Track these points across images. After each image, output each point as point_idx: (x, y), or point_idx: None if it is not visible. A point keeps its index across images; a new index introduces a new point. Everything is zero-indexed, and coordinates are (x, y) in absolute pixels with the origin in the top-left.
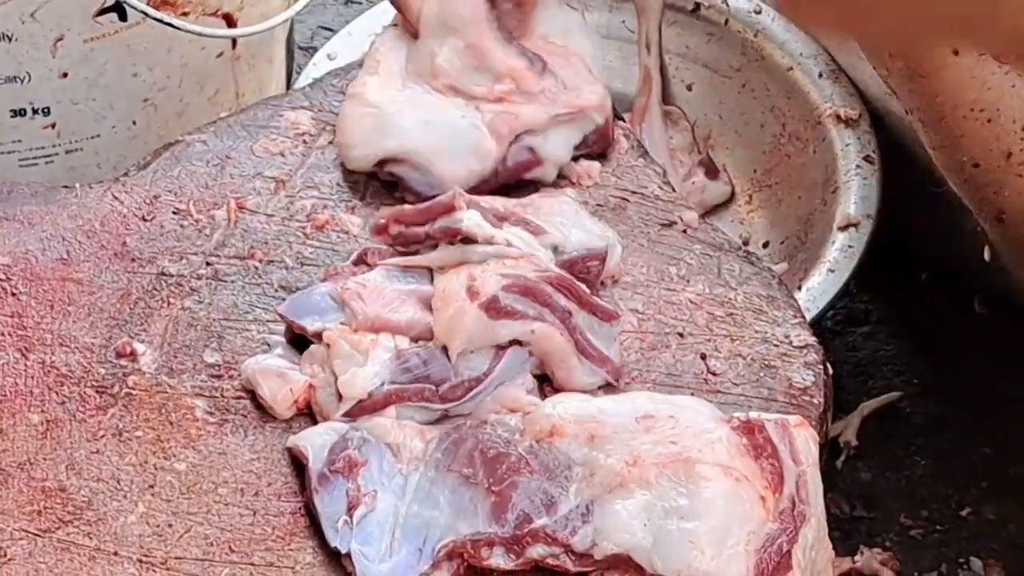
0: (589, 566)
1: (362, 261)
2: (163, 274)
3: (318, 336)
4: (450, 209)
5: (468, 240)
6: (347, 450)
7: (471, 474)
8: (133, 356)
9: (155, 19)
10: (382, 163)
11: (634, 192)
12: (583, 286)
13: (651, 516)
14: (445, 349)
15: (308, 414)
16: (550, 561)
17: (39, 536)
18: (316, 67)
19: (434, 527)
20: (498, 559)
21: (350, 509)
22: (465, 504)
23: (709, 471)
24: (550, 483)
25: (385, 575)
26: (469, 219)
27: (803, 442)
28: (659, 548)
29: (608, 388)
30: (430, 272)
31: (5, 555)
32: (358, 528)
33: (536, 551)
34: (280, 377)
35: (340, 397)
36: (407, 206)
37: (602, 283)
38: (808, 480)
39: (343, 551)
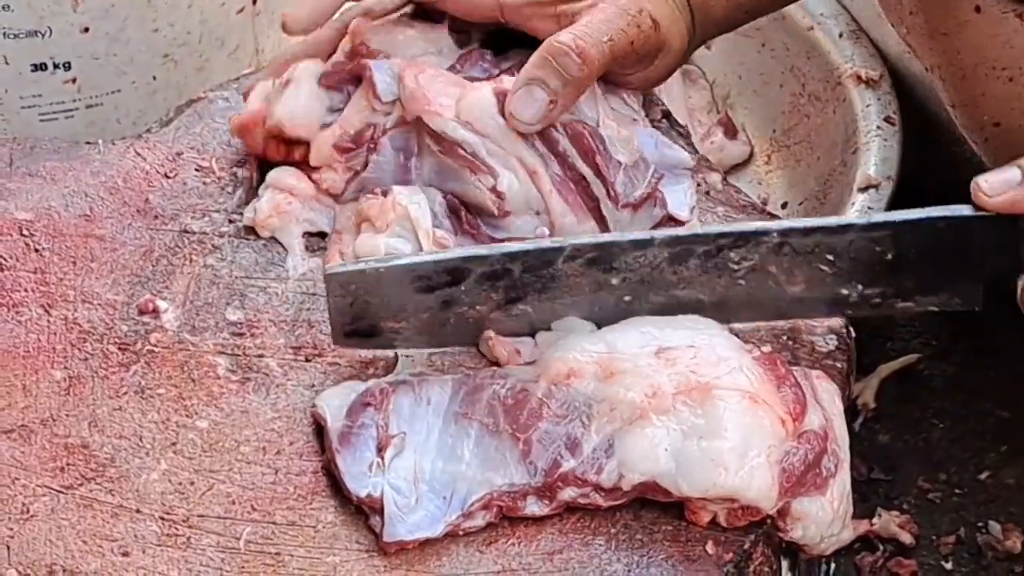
0: (620, 499)
1: None
2: (185, 231)
3: None
4: None
5: None
6: (370, 396)
7: (492, 423)
8: (155, 313)
9: None
10: None
11: None
12: None
13: (671, 440)
14: None
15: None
16: (581, 500)
17: (62, 492)
18: None
19: (461, 480)
20: (532, 507)
21: (380, 450)
22: (492, 454)
23: (727, 394)
24: (571, 424)
25: (414, 524)
26: None
27: (826, 391)
28: (683, 470)
29: None
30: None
31: (28, 511)
32: (389, 471)
33: (567, 494)
34: None
35: None
36: None
37: None
38: (836, 427)
39: (375, 494)
